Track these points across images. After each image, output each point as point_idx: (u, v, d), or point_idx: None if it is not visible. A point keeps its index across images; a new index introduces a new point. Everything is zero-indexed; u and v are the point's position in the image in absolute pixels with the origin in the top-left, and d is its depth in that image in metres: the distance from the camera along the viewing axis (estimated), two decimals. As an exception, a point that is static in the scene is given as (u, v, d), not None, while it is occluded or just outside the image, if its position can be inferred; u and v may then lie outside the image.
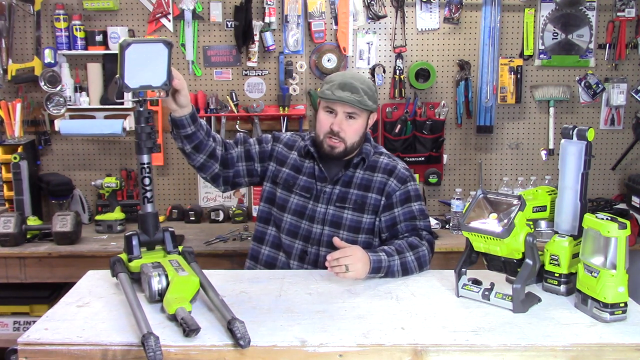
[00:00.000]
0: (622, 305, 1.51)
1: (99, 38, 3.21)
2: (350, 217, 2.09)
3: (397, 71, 3.30)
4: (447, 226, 3.14)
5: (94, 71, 3.26)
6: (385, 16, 3.26)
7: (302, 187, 2.12)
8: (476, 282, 1.68)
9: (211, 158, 2.05)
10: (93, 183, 3.17)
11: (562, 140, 1.71)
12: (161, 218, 3.25)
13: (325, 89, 2.06)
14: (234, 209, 3.30)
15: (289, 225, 2.12)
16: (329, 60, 3.27)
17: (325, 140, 2.07)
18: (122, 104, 3.09)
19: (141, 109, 1.69)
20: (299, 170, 2.15)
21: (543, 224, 2.08)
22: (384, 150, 2.23)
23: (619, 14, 3.29)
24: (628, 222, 1.50)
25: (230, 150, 2.13)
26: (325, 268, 1.90)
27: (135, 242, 1.71)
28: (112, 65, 3.26)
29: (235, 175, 2.15)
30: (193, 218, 3.30)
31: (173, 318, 1.46)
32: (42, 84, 3.16)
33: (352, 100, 2.01)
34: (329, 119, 2.06)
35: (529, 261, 1.59)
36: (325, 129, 2.06)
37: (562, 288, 1.69)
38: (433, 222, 2.95)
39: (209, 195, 3.42)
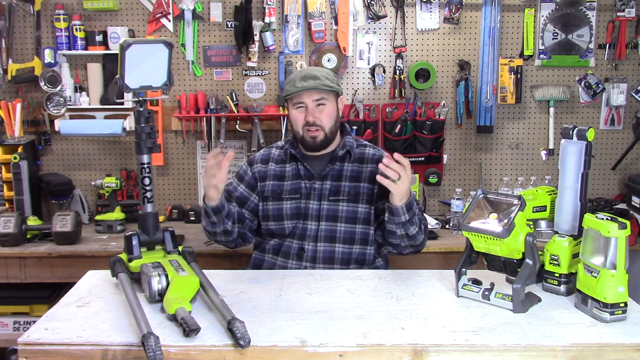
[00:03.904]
0: (622, 305, 1.51)
1: (99, 38, 3.21)
2: (346, 208, 2.12)
3: (397, 71, 3.30)
4: (447, 226, 3.14)
5: (94, 71, 3.26)
6: (385, 16, 3.26)
7: (290, 190, 2.16)
8: (476, 282, 1.68)
9: (225, 235, 2.10)
10: (93, 183, 3.17)
11: (562, 140, 1.71)
12: (161, 218, 3.25)
13: (288, 87, 2.13)
14: (234, 209, 3.30)
15: (289, 229, 2.15)
16: (329, 60, 3.27)
17: (305, 133, 2.11)
18: (122, 104, 3.09)
19: (141, 109, 1.70)
20: (282, 177, 2.19)
21: (543, 224, 2.08)
22: (366, 142, 2.28)
23: (619, 14, 3.28)
24: (628, 222, 1.50)
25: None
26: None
27: (135, 242, 1.71)
28: (112, 65, 3.26)
29: (249, 225, 2.19)
30: (193, 218, 3.29)
31: (173, 318, 1.46)
32: (42, 84, 3.16)
33: (317, 85, 2.07)
34: (302, 113, 2.12)
35: (529, 261, 1.59)
36: (301, 123, 2.12)
37: (562, 288, 1.69)
38: (433, 222, 2.95)
39: (209, 195, 3.41)
